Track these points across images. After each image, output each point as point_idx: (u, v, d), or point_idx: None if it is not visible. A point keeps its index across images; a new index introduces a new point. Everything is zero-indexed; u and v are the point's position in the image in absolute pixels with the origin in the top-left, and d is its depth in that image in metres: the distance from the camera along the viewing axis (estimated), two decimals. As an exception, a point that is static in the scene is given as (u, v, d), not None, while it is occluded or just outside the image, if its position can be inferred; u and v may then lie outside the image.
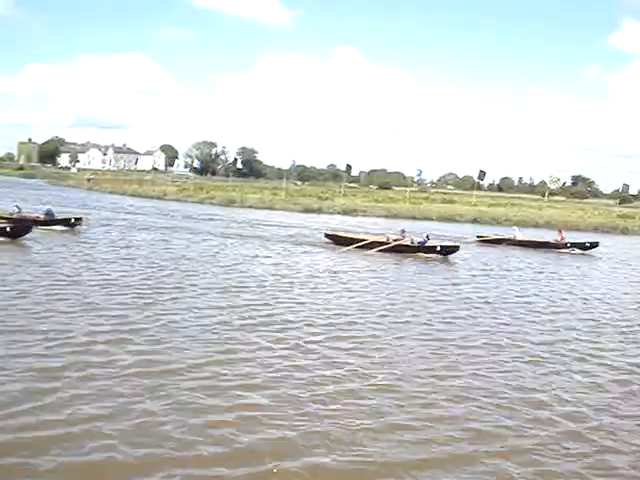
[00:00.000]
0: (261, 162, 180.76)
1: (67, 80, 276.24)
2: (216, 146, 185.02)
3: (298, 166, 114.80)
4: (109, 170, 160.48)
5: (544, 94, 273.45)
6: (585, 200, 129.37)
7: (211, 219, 43.03)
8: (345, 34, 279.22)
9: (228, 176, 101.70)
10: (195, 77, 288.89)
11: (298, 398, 9.57)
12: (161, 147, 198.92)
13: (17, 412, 8.40)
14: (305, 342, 12.58)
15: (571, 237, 38.19)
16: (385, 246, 28.80)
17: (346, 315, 15.25)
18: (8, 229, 25.44)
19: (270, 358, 11.44)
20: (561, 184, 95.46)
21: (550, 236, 38.23)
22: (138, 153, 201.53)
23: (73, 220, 31.03)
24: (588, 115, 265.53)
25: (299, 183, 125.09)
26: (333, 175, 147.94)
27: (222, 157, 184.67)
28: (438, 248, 29.23)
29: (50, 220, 30.18)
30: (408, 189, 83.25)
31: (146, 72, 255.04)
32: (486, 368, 11.64)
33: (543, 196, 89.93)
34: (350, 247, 28.99)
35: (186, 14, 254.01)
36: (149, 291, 16.61)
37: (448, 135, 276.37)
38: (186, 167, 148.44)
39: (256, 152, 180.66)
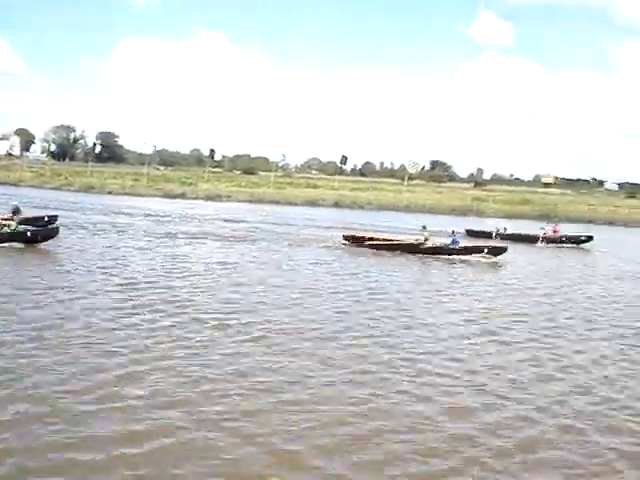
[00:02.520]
0: (122, 147, 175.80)
1: None
2: (74, 130, 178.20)
3: (160, 151, 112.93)
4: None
5: (407, 80, 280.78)
6: (443, 184, 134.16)
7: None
8: (207, 16, 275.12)
9: (87, 161, 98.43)
10: (55, 60, 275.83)
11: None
12: (16, 131, 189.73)
13: None
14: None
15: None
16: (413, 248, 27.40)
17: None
18: (29, 234, 22.74)
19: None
20: (420, 168, 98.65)
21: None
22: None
23: (47, 219, 27.50)
24: (447, 101, 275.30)
25: (162, 168, 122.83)
26: (197, 160, 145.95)
27: (81, 142, 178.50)
28: (486, 250, 27.60)
29: (23, 220, 25.26)
30: (272, 174, 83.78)
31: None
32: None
33: (403, 180, 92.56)
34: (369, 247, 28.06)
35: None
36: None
37: (312, 120, 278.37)
38: (43, 152, 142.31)
39: (117, 136, 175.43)
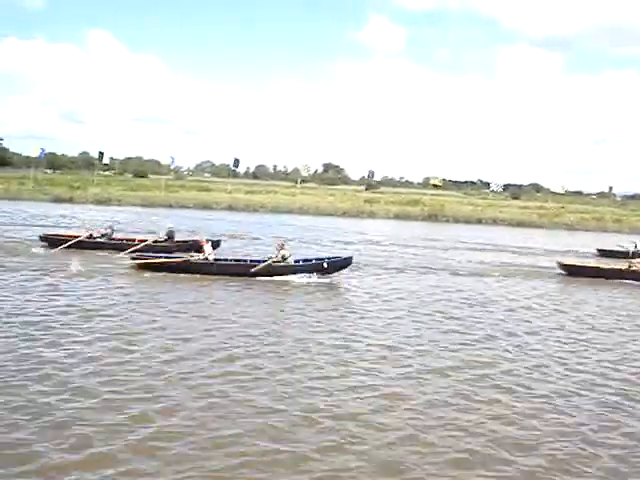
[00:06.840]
0: (7, 149, 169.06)
1: None
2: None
3: (48, 154, 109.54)
4: None
5: (299, 84, 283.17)
6: (336, 186, 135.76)
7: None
8: (98, 17, 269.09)
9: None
10: None
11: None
12: None
13: None
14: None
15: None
16: None
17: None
18: (326, 265, 20.70)
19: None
20: (312, 171, 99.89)
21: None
22: None
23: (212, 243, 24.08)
24: (339, 105, 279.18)
25: (49, 172, 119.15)
26: (86, 163, 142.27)
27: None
28: None
29: (177, 244, 24.19)
30: (164, 177, 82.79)
31: None
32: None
33: (296, 183, 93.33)
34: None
35: None
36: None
37: (204, 123, 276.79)
38: None
39: (1, 139, 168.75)
